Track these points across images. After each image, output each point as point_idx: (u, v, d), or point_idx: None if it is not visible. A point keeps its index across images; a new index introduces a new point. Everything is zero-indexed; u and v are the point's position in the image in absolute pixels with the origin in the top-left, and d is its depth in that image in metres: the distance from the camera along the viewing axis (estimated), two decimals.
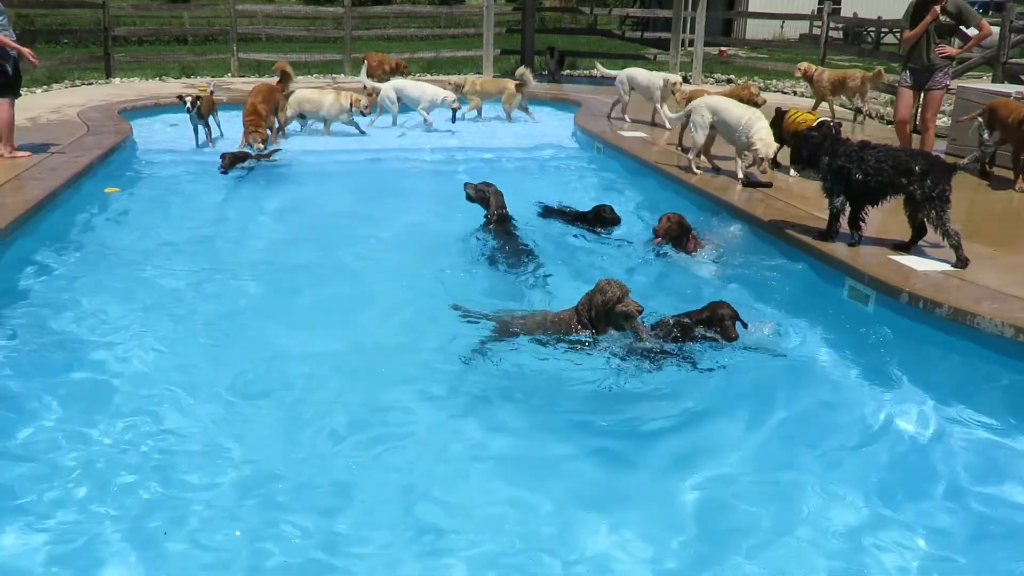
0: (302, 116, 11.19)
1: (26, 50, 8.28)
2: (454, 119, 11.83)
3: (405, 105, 11.94)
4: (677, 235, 6.48)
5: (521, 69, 12.50)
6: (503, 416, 4.26)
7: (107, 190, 8.16)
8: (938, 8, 7.57)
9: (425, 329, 5.23)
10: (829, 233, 6.01)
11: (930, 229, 5.62)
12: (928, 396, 4.39)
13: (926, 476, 3.82)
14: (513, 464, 3.89)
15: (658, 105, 11.13)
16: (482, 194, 7.02)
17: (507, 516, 3.49)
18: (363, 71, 12.91)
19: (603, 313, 4.60)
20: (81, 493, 3.54)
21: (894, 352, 4.87)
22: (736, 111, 8.02)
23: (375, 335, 5.22)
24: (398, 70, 13.95)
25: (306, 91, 11.27)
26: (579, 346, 4.67)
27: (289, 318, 5.53)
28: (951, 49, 7.70)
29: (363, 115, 11.26)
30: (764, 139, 7.67)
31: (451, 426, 4.19)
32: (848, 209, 5.91)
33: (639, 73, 11.49)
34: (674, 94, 10.76)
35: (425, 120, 11.73)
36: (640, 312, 4.58)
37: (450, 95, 11.70)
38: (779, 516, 3.51)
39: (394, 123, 11.88)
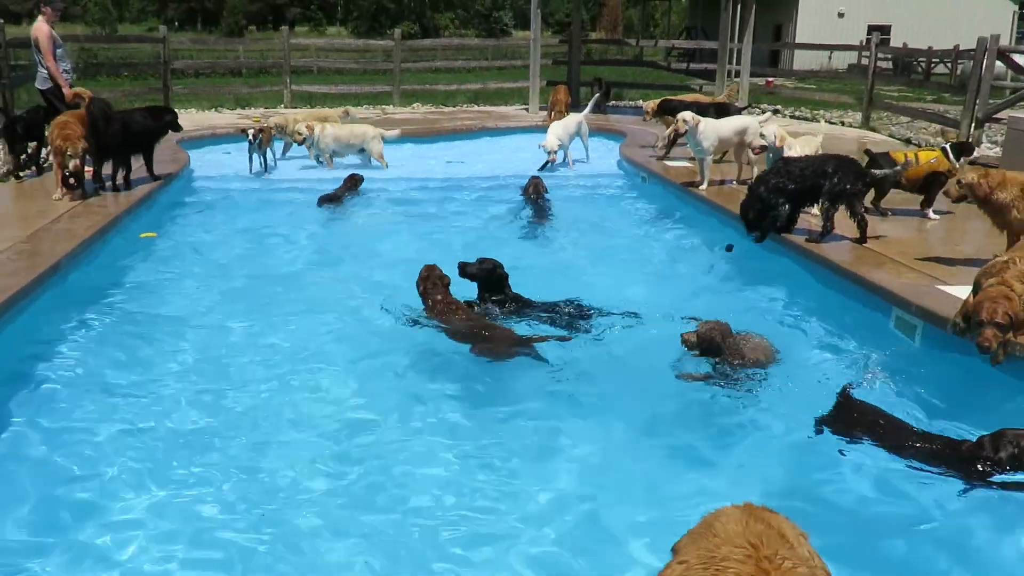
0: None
1: (66, 89, 9.26)
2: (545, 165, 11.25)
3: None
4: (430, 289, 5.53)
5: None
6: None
7: (143, 235, 7.91)
8: None
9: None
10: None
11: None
12: (979, 424, 4.33)
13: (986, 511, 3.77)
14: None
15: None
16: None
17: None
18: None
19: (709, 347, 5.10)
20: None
21: (942, 383, 4.81)
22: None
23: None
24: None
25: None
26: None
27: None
28: None
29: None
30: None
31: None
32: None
33: None
34: None
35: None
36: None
37: (560, 136, 11.19)
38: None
39: (565, 159, 11.54)
